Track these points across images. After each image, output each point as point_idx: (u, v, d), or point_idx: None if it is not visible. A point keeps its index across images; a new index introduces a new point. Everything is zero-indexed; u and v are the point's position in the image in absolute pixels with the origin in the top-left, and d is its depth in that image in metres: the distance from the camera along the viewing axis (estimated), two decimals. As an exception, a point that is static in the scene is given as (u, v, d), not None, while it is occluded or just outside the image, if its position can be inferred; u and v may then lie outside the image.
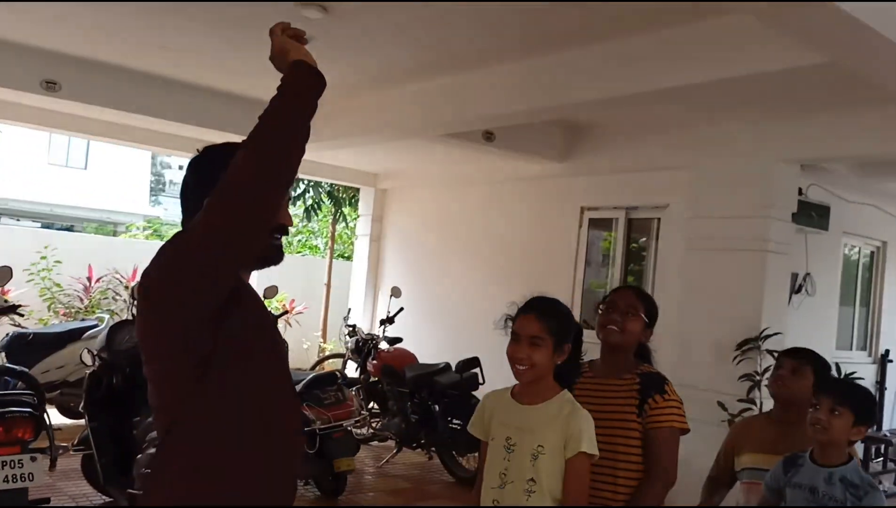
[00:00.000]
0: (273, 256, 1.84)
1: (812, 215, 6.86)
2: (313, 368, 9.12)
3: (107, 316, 8.00)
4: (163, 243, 1.77)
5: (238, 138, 6.59)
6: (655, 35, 4.67)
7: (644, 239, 7.57)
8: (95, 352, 4.89)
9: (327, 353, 10.86)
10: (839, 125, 5.79)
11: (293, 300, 11.91)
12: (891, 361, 8.24)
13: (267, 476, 1.74)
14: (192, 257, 1.62)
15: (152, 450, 4.25)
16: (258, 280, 12.31)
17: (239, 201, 1.59)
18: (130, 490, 4.34)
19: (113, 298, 10.35)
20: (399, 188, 10.49)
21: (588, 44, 4.99)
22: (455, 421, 6.38)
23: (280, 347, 1.89)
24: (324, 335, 12.14)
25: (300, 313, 11.65)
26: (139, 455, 4.34)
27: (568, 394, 2.37)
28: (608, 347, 2.70)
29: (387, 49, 5.51)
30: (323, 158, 9.45)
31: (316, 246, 16.28)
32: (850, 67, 3.99)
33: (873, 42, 3.38)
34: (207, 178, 1.72)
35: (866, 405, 2.57)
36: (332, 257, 12.82)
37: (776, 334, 5.98)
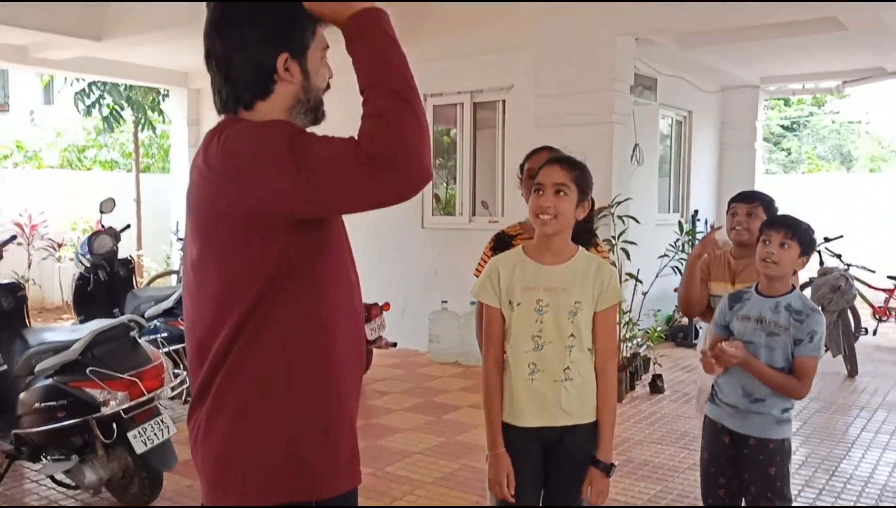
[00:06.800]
0: (322, 115, 1.72)
1: (642, 87, 7.35)
2: (149, 285, 8.53)
3: None
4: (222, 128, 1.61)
5: (73, 41, 5.67)
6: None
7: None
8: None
9: (154, 273, 10.16)
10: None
11: (99, 220, 10.91)
12: (699, 220, 9.23)
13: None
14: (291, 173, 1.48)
15: (44, 382, 3.81)
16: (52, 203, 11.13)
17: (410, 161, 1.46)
18: (17, 431, 3.87)
19: None
20: (216, 88, 9.72)
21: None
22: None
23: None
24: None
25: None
26: (23, 393, 3.87)
27: (584, 250, 2.40)
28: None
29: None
30: (122, 56, 8.52)
31: (109, 161, 14.80)
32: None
33: None
34: (239, 41, 1.60)
35: (810, 237, 2.70)
36: (138, 170, 11.79)
37: (627, 199, 6.45)
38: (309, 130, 1.65)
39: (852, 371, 6.96)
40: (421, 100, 1.52)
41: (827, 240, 7.86)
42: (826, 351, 6.72)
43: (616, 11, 6.36)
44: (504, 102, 7.40)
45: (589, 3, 6.45)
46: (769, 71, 9.49)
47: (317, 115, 1.70)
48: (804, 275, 7.20)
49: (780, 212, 3.09)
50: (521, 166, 2.98)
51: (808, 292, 6.91)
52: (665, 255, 6.64)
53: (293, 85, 1.62)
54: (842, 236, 8.06)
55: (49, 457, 3.94)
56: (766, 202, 3.27)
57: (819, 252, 7.86)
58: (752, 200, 3.27)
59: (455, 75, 7.56)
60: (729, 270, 3.27)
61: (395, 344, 6.49)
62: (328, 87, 1.72)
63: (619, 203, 6.40)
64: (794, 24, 6.44)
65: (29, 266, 10.68)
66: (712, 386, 2.84)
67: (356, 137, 1.47)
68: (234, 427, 1.60)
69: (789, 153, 24.43)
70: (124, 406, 3.74)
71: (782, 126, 24.72)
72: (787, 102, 22.60)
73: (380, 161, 1.43)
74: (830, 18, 6.11)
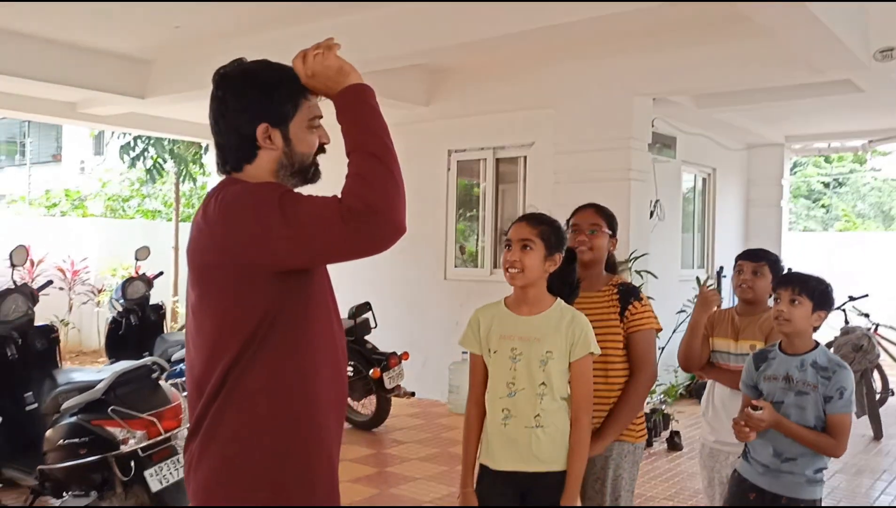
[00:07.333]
0: (314, 176, 1.90)
1: (661, 145, 7.49)
2: (180, 330, 8.78)
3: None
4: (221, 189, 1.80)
5: (119, 98, 6.02)
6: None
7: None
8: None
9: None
10: (686, 59, 6.31)
11: (139, 267, 11.30)
12: (724, 276, 9.22)
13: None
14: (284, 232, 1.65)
15: (68, 420, 4.00)
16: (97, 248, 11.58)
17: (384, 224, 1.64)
18: (42, 467, 4.06)
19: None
20: (252, 142, 10.11)
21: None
22: (350, 366, 6.43)
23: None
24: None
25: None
26: (49, 430, 4.07)
27: (562, 302, 2.54)
28: (582, 265, 2.79)
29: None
30: (165, 113, 8.94)
31: (152, 211, 15.35)
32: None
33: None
34: (226, 111, 1.80)
35: (822, 291, 2.67)
36: (178, 220, 12.22)
37: (644, 254, 6.53)
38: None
39: (877, 434, 6.83)
40: (398, 162, 1.69)
41: (852, 299, 7.80)
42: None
43: (632, 73, 6.56)
44: (525, 157, 7.59)
45: (607, 65, 6.67)
46: (793, 130, 9.56)
47: (307, 176, 1.87)
48: (829, 334, 7.14)
49: (794, 270, 3.02)
50: (567, 222, 3.09)
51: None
52: (683, 310, 6.68)
53: (275, 151, 1.80)
54: (867, 295, 7.98)
55: (70, 493, 4.11)
56: (772, 261, 3.30)
57: (844, 310, 7.79)
58: (758, 258, 3.31)
59: (478, 132, 7.80)
60: (732, 326, 3.31)
61: (413, 394, 6.59)
62: (322, 150, 1.89)
63: (636, 258, 6.49)
64: (811, 85, 6.54)
65: (69, 310, 11.07)
66: (745, 443, 2.80)
67: (339, 196, 1.64)
68: (221, 462, 1.75)
69: (829, 210, 24.17)
70: (142, 445, 3.91)
71: (823, 183, 24.53)
72: (827, 159, 22.42)
73: (360, 216, 1.60)
74: (846, 81, 6.21)
